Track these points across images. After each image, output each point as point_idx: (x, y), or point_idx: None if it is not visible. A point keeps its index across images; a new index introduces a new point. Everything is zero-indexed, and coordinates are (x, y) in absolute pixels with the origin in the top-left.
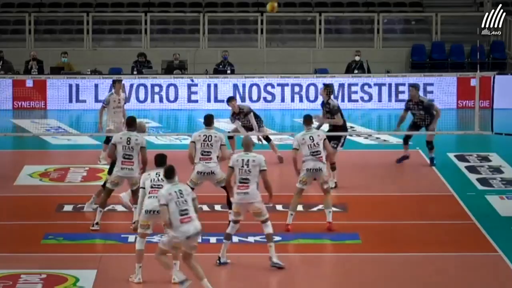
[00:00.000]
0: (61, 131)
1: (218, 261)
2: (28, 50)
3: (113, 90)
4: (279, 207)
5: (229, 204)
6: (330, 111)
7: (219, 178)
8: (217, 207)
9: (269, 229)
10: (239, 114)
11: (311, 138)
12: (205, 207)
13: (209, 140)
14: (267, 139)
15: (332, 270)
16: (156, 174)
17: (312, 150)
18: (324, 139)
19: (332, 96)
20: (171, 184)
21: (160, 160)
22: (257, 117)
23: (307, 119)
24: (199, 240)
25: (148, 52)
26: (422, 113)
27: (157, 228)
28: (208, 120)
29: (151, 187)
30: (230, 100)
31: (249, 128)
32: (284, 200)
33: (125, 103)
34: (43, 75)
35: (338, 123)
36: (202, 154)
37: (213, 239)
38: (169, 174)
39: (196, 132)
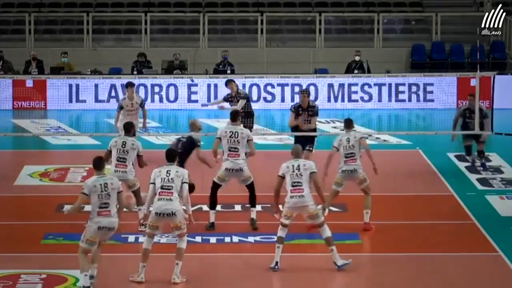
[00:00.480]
0: (61, 131)
1: (275, 266)
2: (28, 50)
3: (125, 95)
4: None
5: (251, 202)
6: (314, 113)
7: (246, 176)
8: (217, 207)
9: (327, 232)
10: (234, 98)
11: (347, 140)
12: (205, 207)
13: (236, 136)
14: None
15: (332, 270)
16: (167, 172)
17: (346, 151)
18: (361, 138)
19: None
20: (97, 176)
21: (170, 155)
22: (251, 115)
23: (348, 123)
24: (113, 237)
25: (148, 52)
26: (479, 121)
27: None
28: (234, 116)
29: (161, 187)
30: (230, 82)
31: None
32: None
33: (143, 105)
34: (43, 75)
35: (312, 126)
36: (229, 151)
37: (213, 239)
38: (98, 165)
39: (222, 128)
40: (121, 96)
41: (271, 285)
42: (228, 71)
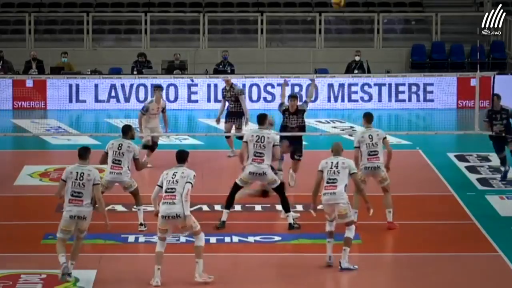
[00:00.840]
0: (61, 131)
1: (329, 260)
2: (28, 50)
3: (153, 98)
4: (279, 207)
5: (284, 207)
6: (302, 115)
7: (270, 179)
8: (217, 207)
9: (350, 233)
10: (228, 91)
11: (370, 137)
12: (205, 207)
13: (262, 141)
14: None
15: (332, 270)
16: (173, 174)
17: (370, 149)
18: (384, 138)
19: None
20: (78, 164)
21: (180, 156)
22: (242, 115)
23: (368, 117)
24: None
25: (148, 52)
26: (505, 122)
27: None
28: (261, 119)
29: (165, 191)
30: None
31: (233, 113)
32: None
33: (165, 110)
34: (43, 75)
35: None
36: (254, 155)
37: (213, 239)
38: (81, 154)
39: (249, 131)
40: (121, 96)
41: (271, 285)
42: (228, 71)
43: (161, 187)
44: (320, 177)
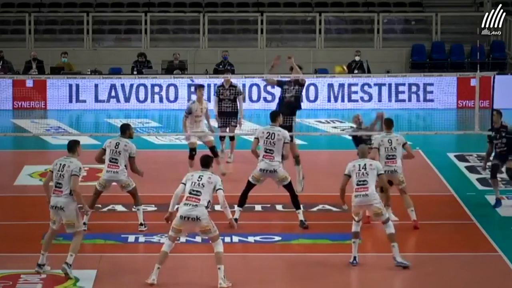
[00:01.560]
0: (61, 131)
1: (354, 261)
2: (28, 50)
3: (194, 98)
4: (279, 207)
5: (295, 204)
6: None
7: (281, 177)
8: (217, 207)
9: (390, 229)
10: (226, 90)
11: (389, 141)
12: None
13: (272, 138)
14: (231, 138)
15: (332, 270)
16: (199, 177)
17: (388, 153)
18: (405, 144)
19: None
20: (64, 156)
21: (205, 161)
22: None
23: (389, 124)
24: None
25: (148, 52)
26: (505, 141)
27: (156, 227)
28: (273, 116)
29: (190, 192)
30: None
31: (229, 113)
32: (283, 200)
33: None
34: (43, 75)
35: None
36: (265, 152)
37: None
38: (69, 146)
39: (260, 128)
40: (121, 96)
41: (271, 286)
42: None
43: (185, 184)
44: (346, 180)
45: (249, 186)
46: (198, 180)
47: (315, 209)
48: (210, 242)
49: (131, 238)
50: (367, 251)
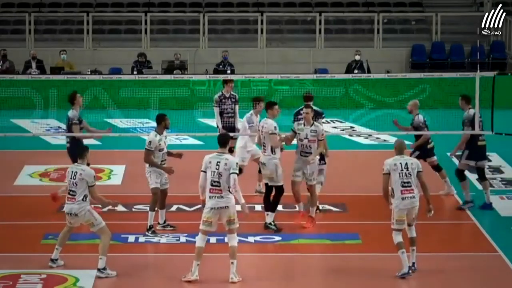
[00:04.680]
0: (61, 131)
1: (409, 271)
2: (28, 50)
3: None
4: (279, 207)
5: (266, 204)
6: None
7: (268, 174)
8: None
9: (414, 233)
10: (227, 99)
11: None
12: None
13: (262, 132)
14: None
15: (332, 270)
16: (216, 165)
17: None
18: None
19: None
20: (76, 164)
21: (222, 140)
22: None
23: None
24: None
25: (148, 52)
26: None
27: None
28: (267, 107)
29: (211, 184)
30: (230, 82)
31: (232, 129)
32: (283, 200)
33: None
34: (43, 75)
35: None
36: (262, 146)
37: (213, 239)
38: (79, 153)
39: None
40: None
41: (271, 285)
42: (228, 71)
43: (205, 172)
44: (387, 180)
45: (269, 190)
46: (216, 169)
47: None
48: (227, 234)
49: (131, 238)
50: (367, 251)
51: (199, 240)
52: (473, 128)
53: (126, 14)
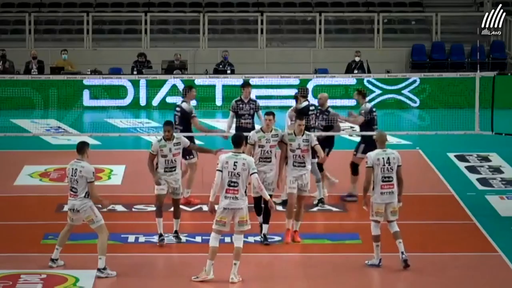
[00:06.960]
0: (61, 131)
1: (379, 263)
2: (28, 50)
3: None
4: (279, 207)
5: (257, 209)
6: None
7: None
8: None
9: (396, 227)
10: (246, 104)
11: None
12: (205, 207)
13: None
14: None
15: (332, 270)
16: (234, 165)
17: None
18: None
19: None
20: (74, 160)
21: (237, 140)
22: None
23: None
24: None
25: (148, 52)
26: None
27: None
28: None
29: (228, 184)
30: (249, 85)
31: (248, 130)
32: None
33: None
34: (43, 75)
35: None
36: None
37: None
38: (77, 148)
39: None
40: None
41: (271, 286)
42: (228, 71)
43: (221, 171)
44: (371, 173)
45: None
46: (233, 169)
47: (315, 209)
48: (234, 235)
49: (131, 238)
50: (367, 251)
51: (213, 240)
52: (370, 121)
53: (126, 14)
